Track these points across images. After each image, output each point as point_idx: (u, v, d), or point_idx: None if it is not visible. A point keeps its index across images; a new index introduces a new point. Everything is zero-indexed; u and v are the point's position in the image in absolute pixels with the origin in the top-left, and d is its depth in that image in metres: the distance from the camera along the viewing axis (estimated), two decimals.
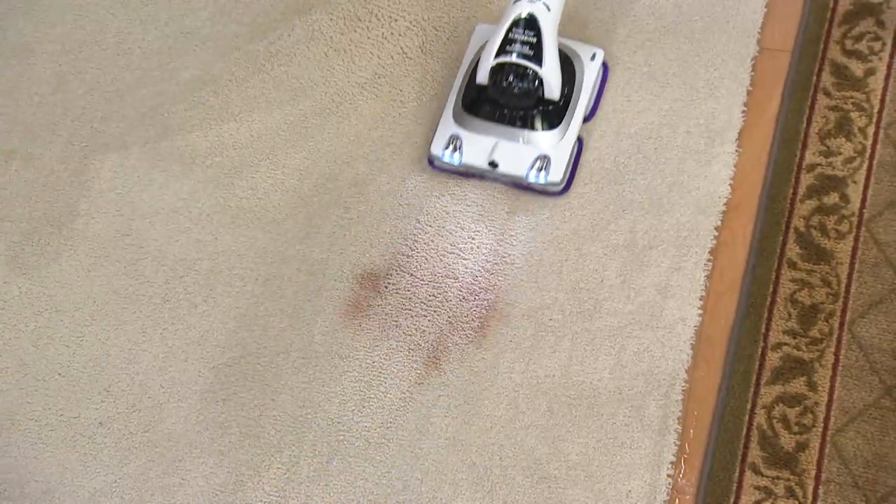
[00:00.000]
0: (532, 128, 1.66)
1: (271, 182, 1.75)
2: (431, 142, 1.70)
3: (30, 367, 1.61)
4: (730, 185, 1.69)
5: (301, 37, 1.88)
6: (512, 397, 1.55)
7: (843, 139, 1.72)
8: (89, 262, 1.69)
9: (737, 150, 1.72)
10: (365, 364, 1.58)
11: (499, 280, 1.64)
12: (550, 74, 1.61)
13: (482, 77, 1.63)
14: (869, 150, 1.70)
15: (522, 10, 1.58)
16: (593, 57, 1.74)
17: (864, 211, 1.65)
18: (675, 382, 1.54)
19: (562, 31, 1.79)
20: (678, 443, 1.50)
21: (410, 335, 1.60)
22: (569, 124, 1.67)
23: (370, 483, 1.50)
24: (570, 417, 1.53)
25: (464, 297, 1.62)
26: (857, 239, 1.63)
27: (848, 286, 1.59)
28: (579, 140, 1.71)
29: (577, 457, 1.50)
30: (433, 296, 1.63)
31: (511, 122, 1.66)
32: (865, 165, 1.69)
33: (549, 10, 1.59)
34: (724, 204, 1.68)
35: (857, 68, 1.78)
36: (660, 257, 1.64)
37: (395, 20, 1.88)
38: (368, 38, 1.88)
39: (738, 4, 1.86)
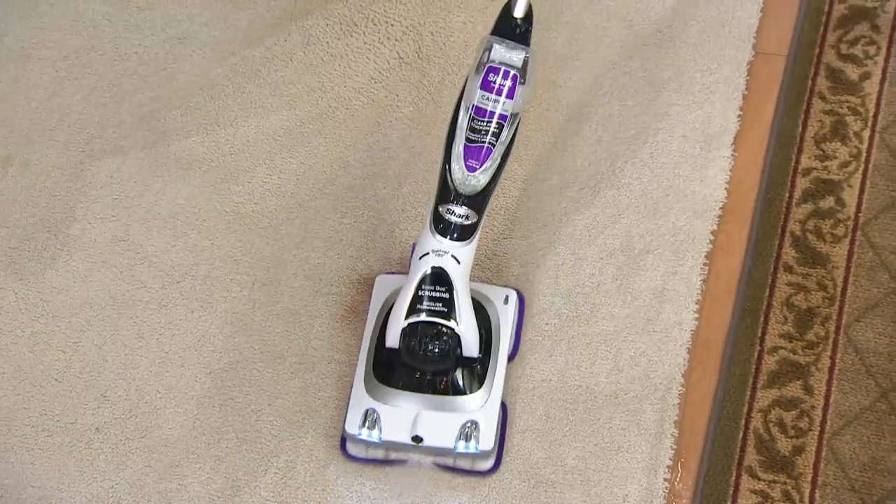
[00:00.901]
0: (454, 392, 1.48)
1: (268, 187, 1.75)
2: (344, 421, 1.49)
3: (26, 372, 1.60)
4: (726, 189, 1.70)
5: (297, 42, 1.89)
6: (509, 402, 1.55)
7: (839, 143, 1.72)
8: (86, 268, 1.69)
9: (732, 155, 1.73)
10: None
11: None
12: (468, 331, 1.43)
13: (392, 341, 1.44)
14: (864, 154, 1.70)
15: (430, 265, 1.41)
16: (506, 300, 1.57)
17: (860, 215, 1.65)
18: (672, 386, 1.54)
19: (551, 22, 1.79)
20: (675, 447, 1.50)
21: None
22: (493, 381, 1.49)
23: (367, 488, 1.50)
24: (567, 422, 1.53)
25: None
26: (852, 243, 1.63)
27: (844, 290, 1.59)
28: (503, 406, 1.53)
29: (574, 461, 1.50)
30: None
31: (431, 388, 1.47)
32: (861, 169, 1.69)
33: (458, 262, 1.41)
34: (720, 208, 1.68)
35: (852, 72, 1.78)
36: (656, 261, 1.64)
37: (392, 25, 1.88)
38: (364, 43, 1.88)
39: (733, 9, 1.87)
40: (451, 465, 1.50)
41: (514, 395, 1.55)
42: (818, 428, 1.50)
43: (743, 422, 1.52)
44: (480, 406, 1.47)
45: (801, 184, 1.69)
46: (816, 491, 1.46)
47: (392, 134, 1.79)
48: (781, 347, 1.56)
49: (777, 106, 1.78)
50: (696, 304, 1.60)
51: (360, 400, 1.48)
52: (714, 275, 1.64)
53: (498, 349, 1.51)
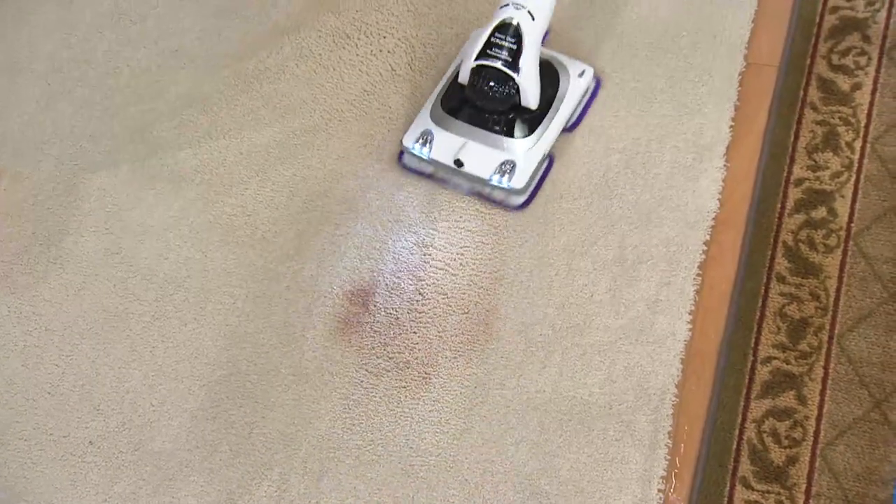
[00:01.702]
0: (502, 132, 1.66)
1: (261, 199, 1.75)
2: (404, 135, 1.72)
3: (19, 385, 1.60)
4: (718, 199, 1.70)
5: (290, 55, 1.89)
6: (503, 413, 1.55)
7: (831, 153, 1.72)
8: (79, 281, 1.69)
9: (725, 165, 1.73)
10: (355, 381, 1.58)
11: (488, 296, 1.64)
12: (527, 83, 1.62)
13: (463, 77, 1.65)
14: (856, 165, 1.71)
15: (507, 16, 1.59)
16: (582, 73, 1.74)
17: (852, 225, 1.66)
18: (666, 397, 1.54)
19: (552, 46, 1.80)
20: (668, 457, 1.50)
21: (400, 352, 1.60)
22: (541, 135, 1.67)
23: (361, 500, 1.50)
24: (561, 433, 1.53)
25: (453, 313, 1.62)
26: (845, 253, 1.63)
27: (836, 300, 1.60)
28: (550, 158, 1.72)
29: (569, 472, 1.50)
30: (423, 312, 1.63)
31: (483, 125, 1.67)
32: (853, 180, 1.69)
33: (533, 19, 1.59)
34: (713, 218, 1.68)
35: (843, 83, 1.79)
36: (649, 272, 1.64)
37: (384, 37, 1.89)
38: (357, 55, 1.88)
39: (724, 20, 1.87)
40: (487, 195, 1.70)
41: (508, 406, 1.55)
42: (812, 438, 1.50)
43: (737, 432, 1.52)
44: (524, 151, 1.66)
45: (794, 194, 1.70)
46: (810, 501, 1.46)
47: (385, 146, 1.79)
48: (775, 358, 1.56)
49: (769, 116, 1.78)
50: (690, 314, 1.61)
51: (423, 120, 1.71)
52: (707, 285, 1.64)
53: (557, 110, 1.69)
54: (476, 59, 1.60)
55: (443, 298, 1.63)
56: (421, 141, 1.68)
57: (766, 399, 1.54)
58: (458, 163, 1.66)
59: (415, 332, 1.61)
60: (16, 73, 1.92)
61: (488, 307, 1.63)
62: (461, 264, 1.66)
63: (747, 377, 1.55)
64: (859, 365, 1.55)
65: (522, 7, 1.59)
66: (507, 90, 1.61)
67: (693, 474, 1.50)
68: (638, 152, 1.75)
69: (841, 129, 1.74)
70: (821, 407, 1.52)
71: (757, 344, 1.58)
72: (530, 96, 1.64)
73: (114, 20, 1.97)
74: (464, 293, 1.64)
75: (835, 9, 1.87)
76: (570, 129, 1.75)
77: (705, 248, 1.66)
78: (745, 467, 1.49)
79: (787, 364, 1.56)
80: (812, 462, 1.48)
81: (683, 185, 1.71)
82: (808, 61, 1.82)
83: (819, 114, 1.76)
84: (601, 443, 1.52)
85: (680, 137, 1.76)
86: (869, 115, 1.75)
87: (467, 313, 1.63)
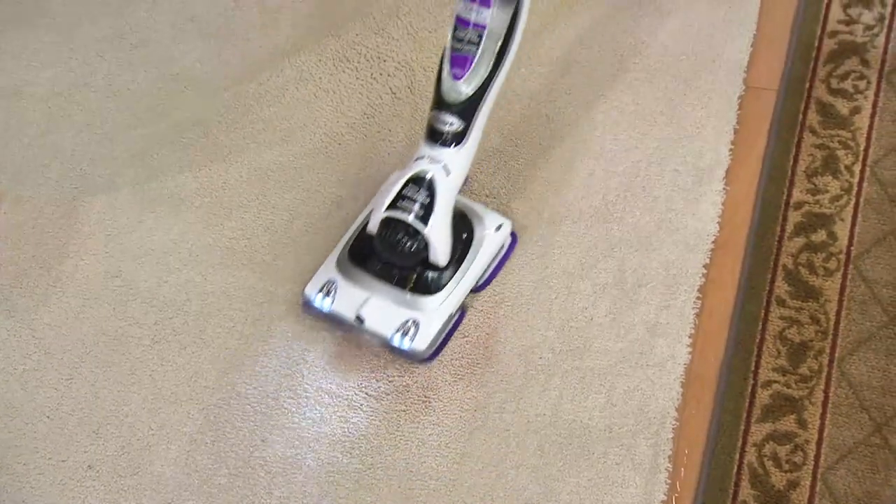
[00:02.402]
0: (408, 289, 1.56)
1: (261, 222, 1.75)
2: (307, 283, 1.60)
3: (18, 409, 1.60)
4: (718, 222, 1.70)
5: (290, 78, 1.89)
6: (503, 437, 1.54)
7: (830, 177, 1.73)
8: (78, 304, 1.68)
9: (724, 188, 1.73)
10: (354, 404, 1.58)
11: (488, 319, 1.64)
12: (437, 239, 1.51)
13: (372, 226, 1.53)
14: (856, 188, 1.71)
15: (422, 169, 1.49)
16: (499, 227, 1.62)
17: (852, 248, 1.66)
18: (666, 421, 1.54)
19: (546, 66, 1.80)
20: (669, 482, 1.50)
21: (400, 375, 1.60)
22: (449, 293, 1.55)
23: None
24: (561, 457, 1.52)
25: (453, 336, 1.62)
26: (845, 276, 1.63)
27: (837, 323, 1.60)
28: (462, 311, 1.62)
29: (569, 496, 1.50)
30: None
31: (389, 279, 1.56)
32: (852, 203, 1.70)
33: (448, 174, 1.49)
34: (713, 242, 1.68)
35: (842, 107, 1.79)
36: (649, 295, 1.64)
37: (384, 61, 1.89)
38: (357, 78, 1.89)
39: (724, 44, 1.88)
40: (390, 348, 1.57)
41: (508, 429, 1.55)
42: (812, 462, 1.50)
43: (737, 456, 1.51)
44: (429, 310, 1.54)
45: (793, 217, 1.70)
46: None
47: (385, 169, 1.79)
48: (775, 381, 1.56)
49: (768, 140, 1.79)
50: (690, 337, 1.60)
51: (327, 269, 1.59)
52: (707, 309, 1.64)
53: (468, 267, 1.58)
54: (386, 210, 1.50)
55: None
56: (324, 291, 1.57)
57: (766, 423, 1.53)
58: (360, 319, 1.54)
59: None
60: (16, 96, 1.92)
61: (488, 330, 1.63)
62: None
63: (747, 401, 1.55)
64: (860, 389, 1.54)
65: (438, 161, 1.49)
66: (415, 245, 1.50)
67: (693, 499, 1.50)
68: (637, 175, 1.75)
69: (840, 153, 1.75)
70: (821, 431, 1.52)
71: (757, 367, 1.58)
72: (440, 253, 1.53)
73: (114, 44, 1.98)
74: (464, 316, 1.64)
75: (834, 33, 1.88)
76: (479, 288, 1.65)
77: (705, 271, 1.66)
78: (746, 491, 1.49)
79: (788, 388, 1.56)
80: (813, 486, 1.48)
81: (683, 209, 1.71)
82: (808, 85, 1.83)
83: (818, 137, 1.77)
84: (601, 467, 1.51)
85: (679, 161, 1.76)
86: (868, 138, 1.76)
87: (467, 336, 1.62)
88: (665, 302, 1.63)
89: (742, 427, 1.53)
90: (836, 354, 1.57)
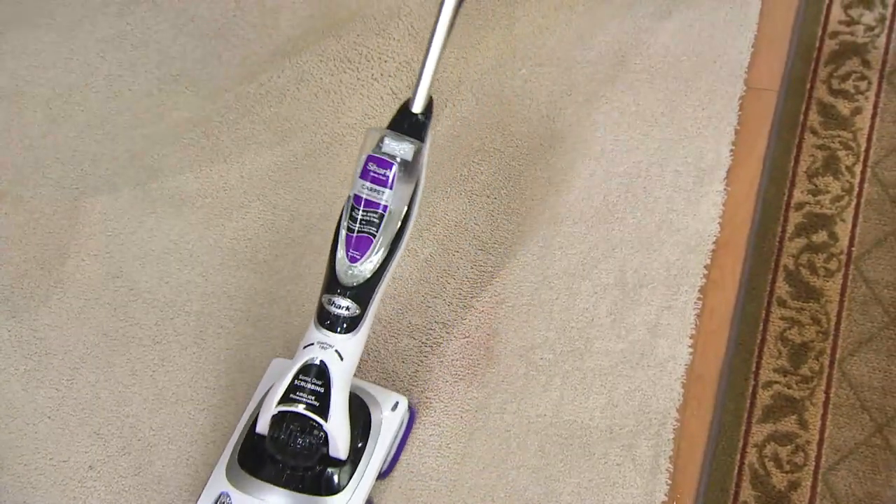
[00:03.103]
0: (312, 491, 1.41)
1: (262, 223, 1.75)
2: (198, 499, 1.43)
3: (19, 410, 1.60)
4: (719, 223, 1.70)
5: (291, 78, 1.89)
6: (503, 437, 1.54)
7: (831, 178, 1.73)
8: (79, 305, 1.68)
9: (725, 189, 1.73)
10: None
11: (489, 320, 1.64)
12: (337, 430, 1.37)
13: (262, 426, 1.39)
14: (856, 189, 1.71)
15: (313, 356, 1.35)
16: (395, 406, 1.50)
17: (853, 249, 1.66)
18: (667, 421, 1.54)
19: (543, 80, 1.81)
20: (670, 482, 1.50)
21: (401, 380, 1.60)
22: (354, 489, 1.42)
23: None
24: (562, 457, 1.53)
25: (454, 337, 1.62)
26: (845, 277, 1.63)
27: (837, 324, 1.60)
28: (369, 502, 1.47)
29: (570, 497, 1.50)
30: (424, 335, 1.63)
31: (288, 484, 1.40)
32: (853, 204, 1.70)
33: (341, 359, 1.35)
34: (714, 242, 1.69)
35: (843, 107, 1.79)
36: (650, 296, 1.64)
37: (385, 61, 1.89)
38: (358, 79, 1.89)
39: (724, 45, 1.88)
40: None
41: (509, 430, 1.55)
42: (813, 463, 1.50)
43: (738, 457, 1.52)
44: None
45: (794, 218, 1.70)
46: None
47: None
48: (776, 382, 1.56)
49: (769, 141, 1.79)
50: (691, 338, 1.60)
51: (217, 481, 1.42)
52: (708, 309, 1.64)
53: (371, 455, 1.45)
54: (277, 404, 1.35)
55: (442, 324, 1.63)
56: None
57: (767, 423, 1.53)
58: None
59: (415, 356, 1.61)
60: (18, 97, 1.92)
61: (488, 331, 1.63)
62: (462, 288, 1.66)
63: (748, 401, 1.55)
64: (860, 389, 1.54)
65: (329, 347, 1.35)
66: (313, 441, 1.35)
67: (694, 499, 1.50)
68: (638, 176, 1.75)
69: (841, 154, 1.75)
70: (822, 431, 1.52)
71: (758, 368, 1.58)
72: (340, 445, 1.39)
73: (115, 45, 1.98)
74: (464, 317, 1.64)
75: (835, 34, 1.88)
76: (385, 473, 1.53)
77: (706, 271, 1.66)
78: (747, 492, 1.49)
79: (789, 388, 1.56)
80: (814, 487, 1.48)
81: (684, 209, 1.71)
82: (808, 86, 1.83)
83: (819, 138, 1.77)
84: (602, 467, 1.51)
85: (680, 161, 1.76)
86: (869, 139, 1.76)
87: (468, 337, 1.62)
88: (666, 302, 1.64)
89: (743, 427, 1.53)
90: (837, 355, 1.57)
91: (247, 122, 1.86)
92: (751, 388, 1.56)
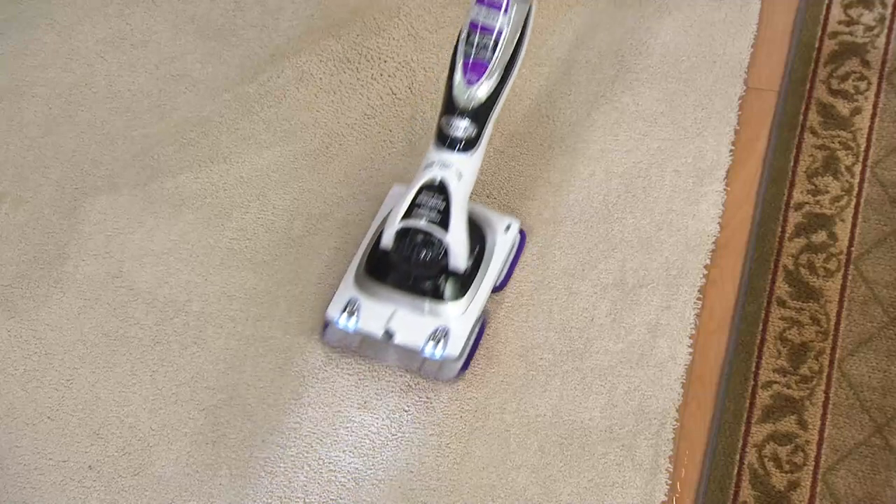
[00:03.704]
0: (434, 298, 1.54)
1: (261, 223, 1.76)
2: (328, 306, 1.58)
3: (18, 410, 1.60)
4: (718, 223, 1.70)
5: (291, 78, 1.89)
6: (503, 437, 1.54)
7: (831, 178, 1.73)
8: (79, 305, 1.68)
9: (725, 189, 1.73)
10: (356, 404, 1.58)
11: (489, 319, 1.64)
12: (456, 244, 1.50)
13: (386, 241, 1.53)
14: (856, 189, 1.71)
15: (433, 175, 1.48)
16: (507, 228, 1.63)
17: (853, 249, 1.66)
18: (666, 421, 1.54)
19: (549, 75, 1.81)
20: (669, 482, 1.50)
21: (401, 375, 1.60)
22: (473, 297, 1.55)
23: None
24: (562, 457, 1.53)
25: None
26: (845, 277, 1.63)
27: (837, 324, 1.60)
28: (483, 320, 1.61)
29: (569, 497, 1.50)
30: None
31: (412, 291, 1.54)
32: (853, 204, 1.70)
33: (460, 177, 1.48)
34: (713, 242, 1.69)
35: (843, 107, 1.79)
36: (649, 296, 1.64)
37: (385, 61, 1.89)
38: (358, 79, 1.89)
39: (724, 44, 1.88)
40: (417, 369, 1.59)
41: (508, 430, 1.55)
42: (813, 463, 1.50)
43: (738, 457, 1.52)
44: (456, 316, 1.54)
45: (794, 218, 1.70)
46: None
47: (385, 169, 1.79)
48: (775, 382, 1.56)
49: (769, 141, 1.79)
50: (690, 338, 1.61)
51: (347, 289, 1.57)
52: (707, 309, 1.64)
53: (487, 269, 1.58)
54: (402, 220, 1.49)
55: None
56: (348, 311, 1.55)
57: (766, 423, 1.53)
58: (389, 333, 1.53)
59: None
60: (18, 97, 1.92)
61: (488, 331, 1.63)
62: None
63: (748, 401, 1.55)
64: (860, 389, 1.54)
65: (449, 166, 1.48)
66: (435, 253, 1.50)
67: (694, 499, 1.50)
68: (638, 176, 1.75)
69: (841, 154, 1.75)
70: (822, 431, 1.52)
71: (758, 368, 1.58)
72: (459, 258, 1.53)
73: (115, 45, 1.98)
74: None
75: (834, 34, 1.88)
76: (499, 288, 1.66)
77: (706, 271, 1.66)
78: (747, 492, 1.49)
79: (788, 388, 1.56)
80: (813, 487, 1.48)
81: (683, 209, 1.71)
82: (808, 86, 1.83)
83: (819, 138, 1.77)
84: (602, 467, 1.51)
85: (680, 161, 1.76)
86: (869, 139, 1.76)
87: None
88: (666, 302, 1.64)
89: (742, 427, 1.53)
90: (837, 355, 1.57)
91: (246, 122, 1.86)
92: (750, 388, 1.56)
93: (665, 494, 1.49)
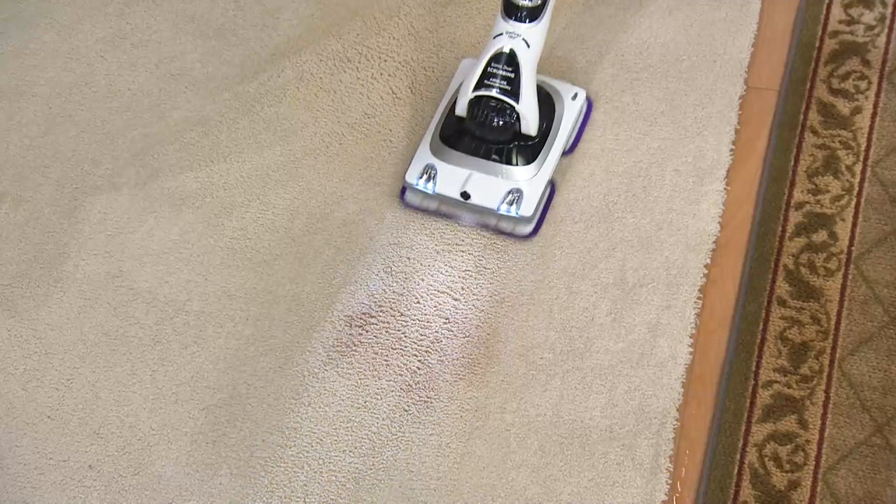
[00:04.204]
0: (506, 162, 1.66)
1: (262, 222, 1.76)
2: (406, 171, 1.71)
3: (19, 409, 1.60)
4: (719, 222, 1.70)
5: (291, 78, 1.89)
6: (503, 437, 1.54)
7: (831, 177, 1.73)
8: (79, 304, 1.68)
9: (725, 188, 1.73)
10: (356, 404, 1.58)
11: (489, 319, 1.64)
12: (527, 110, 1.61)
13: (461, 109, 1.65)
14: (856, 188, 1.71)
15: (502, 45, 1.58)
16: (575, 96, 1.74)
17: (853, 248, 1.66)
18: (667, 421, 1.54)
19: (549, 71, 1.81)
20: (670, 482, 1.50)
21: (401, 375, 1.60)
22: (543, 161, 1.67)
23: None
24: (562, 457, 1.53)
25: (454, 336, 1.62)
26: (845, 276, 1.63)
27: (837, 324, 1.60)
28: (552, 184, 1.72)
29: (570, 496, 1.50)
30: (423, 335, 1.63)
31: (486, 156, 1.66)
32: (853, 203, 1.70)
33: (528, 46, 1.59)
34: (714, 242, 1.69)
35: (843, 107, 1.79)
36: (650, 295, 1.64)
37: (385, 60, 1.89)
38: (358, 78, 1.89)
39: (724, 44, 1.88)
40: (494, 226, 1.70)
41: (509, 429, 1.55)
42: (813, 462, 1.50)
43: (738, 456, 1.51)
44: (528, 178, 1.66)
45: (794, 217, 1.70)
46: None
47: (385, 169, 1.79)
48: (776, 381, 1.56)
49: (769, 140, 1.79)
50: (691, 337, 1.60)
51: (424, 155, 1.69)
52: (708, 309, 1.64)
53: (556, 135, 1.69)
54: (474, 89, 1.60)
55: (443, 322, 1.63)
56: (425, 176, 1.67)
57: (767, 423, 1.53)
58: (465, 195, 1.65)
59: (415, 355, 1.61)
60: (18, 96, 1.92)
61: (489, 330, 1.63)
62: (462, 287, 1.66)
63: (748, 401, 1.55)
64: (861, 389, 1.54)
65: (517, 35, 1.58)
66: (507, 119, 1.61)
67: (694, 499, 1.50)
68: (638, 175, 1.75)
69: (841, 153, 1.75)
70: (822, 431, 1.52)
71: (758, 367, 1.57)
72: (531, 123, 1.63)
73: (115, 44, 1.98)
74: (465, 316, 1.64)
75: (835, 33, 1.88)
76: (567, 152, 1.76)
77: (706, 271, 1.66)
78: (747, 492, 1.49)
79: (789, 388, 1.56)
80: (814, 487, 1.48)
81: (684, 209, 1.71)
82: (808, 85, 1.83)
83: (819, 137, 1.77)
84: (602, 467, 1.51)
85: (680, 161, 1.76)
86: (869, 138, 1.76)
87: (468, 336, 1.62)
88: (666, 302, 1.64)
89: (743, 427, 1.53)
90: (837, 355, 1.57)
91: (247, 122, 1.86)
92: (751, 388, 1.56)
93: (665, 494, 1.49)
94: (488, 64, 1.59)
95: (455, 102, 1.67)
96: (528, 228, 1.69)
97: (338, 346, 1.63)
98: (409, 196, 1.73)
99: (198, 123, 1.86)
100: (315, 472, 1.53)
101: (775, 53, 1.88)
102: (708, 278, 1.66)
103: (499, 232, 1.70)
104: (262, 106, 1.87)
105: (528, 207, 1.64)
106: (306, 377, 1.60)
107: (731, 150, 1.77)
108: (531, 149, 1.66)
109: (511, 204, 1.64)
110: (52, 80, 1.94)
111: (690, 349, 1.60)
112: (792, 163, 1.75)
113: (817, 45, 1.87)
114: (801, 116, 1.79)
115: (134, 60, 1.96)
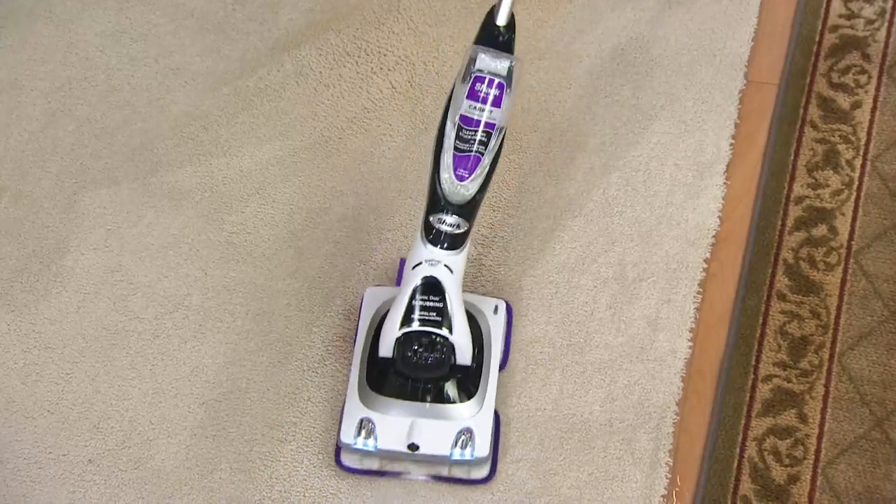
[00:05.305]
0: (448, 400, 1.49)
1: (261, 217, 1.75)
2: (338, 431, 1.51)
3: (18, 404, 1.60)
4: (718, 217, 1.70)
5: (290, 72, 1.89)
6: (503, 431, 1.54)
7: (831, 171, 1.72)
8: (79, 299, 1.68)
9: (725, 183, 1.73)
10: None
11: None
12: (462, 339, 1.46)
13: (385, 350, 1.47)
14: (856, 183, 1.71)
15: (424, 275, 1.42)
16: (496, 310, 1.59)
17: (853, 243, 1.66)
18: (666, 415, 1.54)
19: (549, 70, 1.80)
20: (669, 476, 1.50)
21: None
22: (486, 390, 1.50)
23: None
24: (562, 451, 1.52)
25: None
26: (845, 271, 1.63)
27: (837, 318, 1.60)
28: (496, 414, 1.53)
29: (569, 490, 1.50)
30: None
31: (424, 397, 1.49)
32: (853, 197, 1.70)
33: (451, 271, 1.42)
34: (713, 236, 1.68)
35: (843, 101, 1.79)
36: (649, 289, 1.64)
37: (384, 55, 1.89)
38: (357, 73, 1.88)
39: (724, 38, 1.88)
40: (446, 476, 1.51)
41: (508, 424, 1.54)
42: (813, 457, 1.50)
43: (737, 450, 1.51)
44: (474, 414, 1.48)
45: (794, 212, 1.70)
46: None
47: (385, 163, 1.79)
48: (775, 376, 1.56)
49: (769, 134, 1.78)
50: (690, 332, 1.60)
51: (355, 409, 1.49)
52: (707, 303, 1.64)
53: (490, 358, 1.53)
54: (401, 326, 1.44)
55: None
56: (364, 433, 1.47)
57: (766, 417, 1.53)
58: (413, 447, 1.46)
59: None
60: (17, 91, 1.92)
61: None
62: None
63: (748, 395, 1.55)
64: (860, 383, 1.54)
65: (437, 262, 1.41)
66: (440, 354, 1.45)
67: (694, 493, 1.50)
68: (638, 170, 1.75)
69: (841, 147, 1.75)
70: (822, 425, 1.52)
71: (758, 362, 1.57)
72: (465, 352, 1.48)
73: (114, 39, 1.98)
74: None
75: (835, 27, 1.88)
76: (501, 367, 1.59)
77: (706, 265, 1.66)
78: (747, 486, 1.49)
79: (788, 382, 1.55)
80: (813, 481, 1.48)
81: (683, 203, 1.71)
82: (808, 79, 1.83)
83: (819, 132, 1.77)
84: (602, 461, 1.51)
85: (680, 155, 1.76)
86: (869, 133, 1.75)
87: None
88: (665, 296, 1.63)
89: (742, 421, 1.53)
90: (837, 349, 1.57)
91: (246, 116, 1.86)
92: (750, 382, 1.56)
93: (665, 488, 1.49)
94: (412, 297, 1.43)
95: (375, 343, 1.51)
96: (485, 471, 1.51)
97: (337, 340, 1.63)
98: (345, 458, 1.52)
99: (197, 118, 1.86)
100: (316, 467, 1.53)
101: (775, 48, 1.88)
102: (708, 272, 1.66)
103: (451, 481, 1.51)
104: (261, 100, 1.87)
105: (482, 447, 1.47)
106: (306, 372, 1.60)
107: (731, 144, 1.77)
108: (470, 380, 1.50)
109: (464, 447, 1.46)
110: (51, 75, 1.94)
111: (690, 343, 1.60)
112: (792, 157, 1.75)
113: (817, 39, 1.87)
114: (801, 111, 1.79)
115: (133, 55, 1.96)
